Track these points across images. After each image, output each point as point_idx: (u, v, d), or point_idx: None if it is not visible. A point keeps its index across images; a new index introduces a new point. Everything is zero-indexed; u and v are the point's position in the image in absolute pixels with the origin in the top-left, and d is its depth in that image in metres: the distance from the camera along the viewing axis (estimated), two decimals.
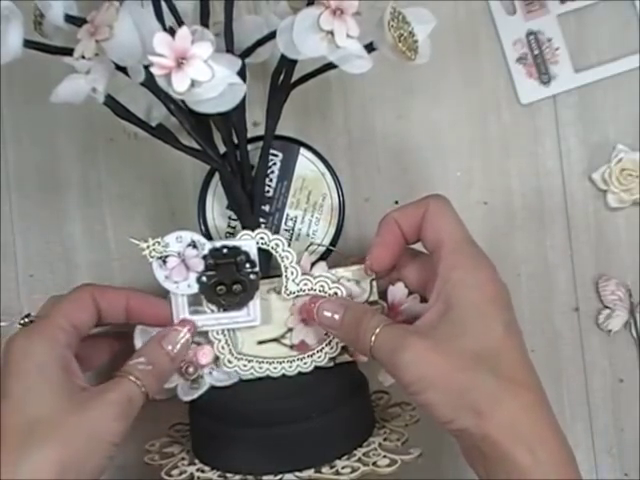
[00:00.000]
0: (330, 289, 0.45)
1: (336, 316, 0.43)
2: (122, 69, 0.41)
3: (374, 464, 0.43)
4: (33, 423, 0.38)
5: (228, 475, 0.44)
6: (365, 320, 0.42)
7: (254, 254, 0.44)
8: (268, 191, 0.51)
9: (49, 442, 0.38)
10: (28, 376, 0.40)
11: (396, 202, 0.55)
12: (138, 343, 0.45)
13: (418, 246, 0.46)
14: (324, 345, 0.46)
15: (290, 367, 0.46)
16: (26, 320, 0.43)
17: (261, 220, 0.48)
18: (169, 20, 0.43)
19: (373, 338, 0.41)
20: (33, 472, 0.37)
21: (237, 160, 0.46)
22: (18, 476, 0.36)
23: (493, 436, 0.37)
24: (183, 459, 0.46)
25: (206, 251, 0.43)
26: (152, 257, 0.43)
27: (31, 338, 0.41)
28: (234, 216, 0.50)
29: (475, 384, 0.38)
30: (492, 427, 0.37)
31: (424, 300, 0.46)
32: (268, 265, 0.46)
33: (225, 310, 0.44)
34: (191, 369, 0.45)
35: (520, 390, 0.38)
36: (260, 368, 0.45)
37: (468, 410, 0.38)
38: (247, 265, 0.44)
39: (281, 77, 0.45)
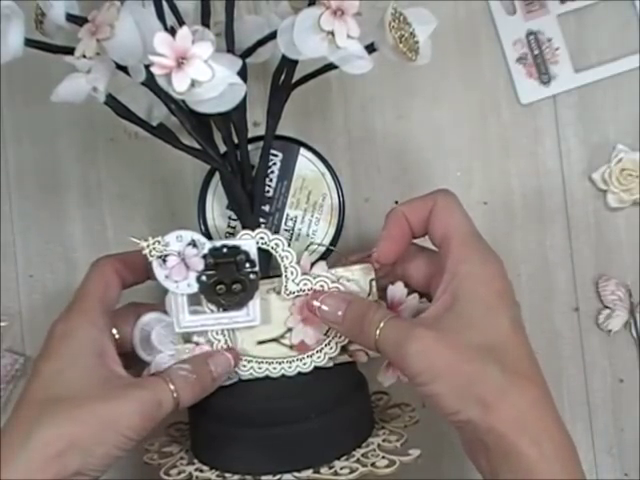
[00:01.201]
0: (330, 289, 0.45)
1: (339, 312, 0.43)
2: (123, 68, 0.41)
3: (373, 465, 0.43)
4: (54, 400, 0.40)
5: (227, 475, 0.44)
6: (369, 314, 0.42)
7: (254, 254, 0.44)
8: (268, 191, 0.51)
9: (63, 419, 0.39)
10: (62, 360, 0.41)
11: (396, 202, 0.55)
12: (137, 338, 0.45)
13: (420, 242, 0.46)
14: (324, 345, 0.46)
15: (289, 367, 0.45)
16: None
17: (261, 220, 0.48)
18: (170, 20, 0.43)
19: (378, 332, 0.41)
20: (42, 444, 0.38)
21: (237, 160, 0.46)
22: (28, 443, 0.38)
23: (499, 428, 0.37)
24: (182, 459, 0.46)
25: (206, 250, 0.43)
26: (152, 256, 0.43)
27: (71, 323, 0.43)
28: (234, 216, 0.50)
29: (482, 376, 0.38)
30: (498, 419, 0.37)
31: (426, 297, 0.46)
32: (268, 265, 0.46)
33: (225, 310, 0.44)
34: None
35: (526, 384, 0.38)
36: (259, 368, 0.45)
37: (474, 402, 0.38)
38: (247, 265, 0.44)
39: (282, 77, 0.45)
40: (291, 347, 0.46)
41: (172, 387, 0.41)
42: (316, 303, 0.44)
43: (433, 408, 0.40)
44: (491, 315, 0.40)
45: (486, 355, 0.38)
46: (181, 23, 0.43)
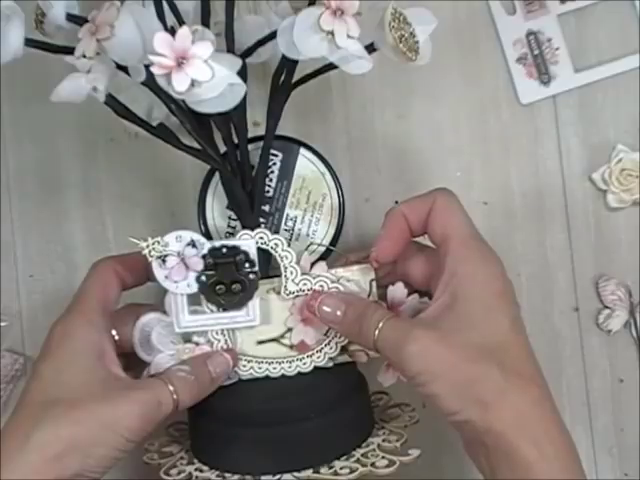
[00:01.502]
0: (329, 289, 0.45)
1: (338, 312, 0.43)
2: (123, 68, 0.41)
3: (372, 465, 0.43)
4: (54, 402, 0.40)
5: (227, 475, 0.44)
6: (368, 314, 0.42)
7: (253, 254, 0.44)
8: (268, 191, 0.51)
9: (63, 420, 0.39)
10: (61, 361, 0.41)
11: (396, 202, 0.55)
12: (137, 338, 0.45)
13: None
14: (323, 345, 0.46)
15: (289, 367, 0.45)
16: None
17: (261, 220, 0.48)
18: (170, 20, 0.43)
19: (377, 332, 0.41)
20: (41, 444, 0.38)
21: (237, 160, 0.46)
22: (27, 445, 0.38)
23: (498, 429, 0.37)
24: (182, 458, 0.46)
25: (205, 250, 0.43)
26: (152, 256, 0.43)
27: (70, 324, 0.43)
28: (234, 216, 0.50)
29: (481, 376, 0.38)
30: (498, 420, 0.37)
31: (427, 295, 0.46)
32: (268, 265, 0.46)
33: (224, 310, 0.44)
34: None
35: (526, 384, 0.38)
36: (259, 368, 0.45)
37: (474, 402, 0.38)
38: (246, 265, 0.44)
39: (282, 77, 0.45)
40: (291, 347, 0.46)
41: (171, 388, 0.41)
42: (315, 303, 0.44)
43: (433, 408, 0.40)
44: (491, 315, 0.40)
45: (486, 355, 0.38)
46: (181, 23, 0.43)
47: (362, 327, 0.42)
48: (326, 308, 0.43)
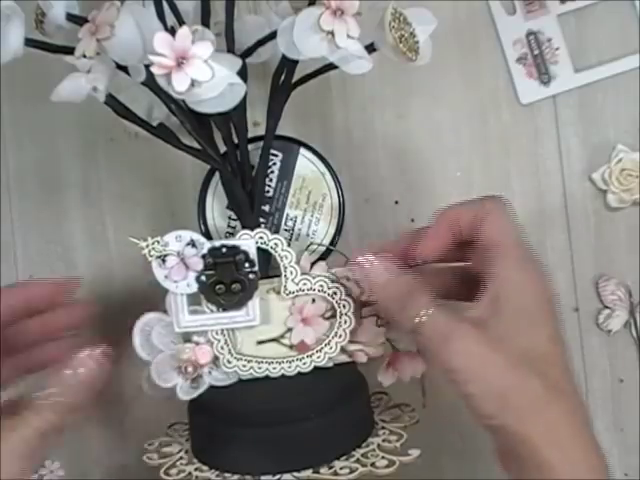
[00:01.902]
0: (329, 289, 0.45)
1: (385, 277, 0.41)
2: (123, 68, 0.41)
3: (372, 465, 0.43)
4: None
5: (226, 475, 0.44)
6: (417, 294, 0.40)
7: (253, 253, 0.44)
8: (268, 191, 0.51)
9: None
10: None
11: (396, 202, 0.55)
12: (137, 337, 0.45)
13: None
14: (323, 345, 0.46)
15: (289, 367, 0.45)
16: None
17: (261, 220, 0.48)
18: (170, 20, 0.43)
19: (424, 318, 0.39)
20: None
21: (237, 160, 0.46)
22: None
23: (533, 440, 0.37)
24: (182, 458, 0.46)
25: (205, 250, 0.43)
26: (151, 256, 0.43)
27: None
28: (234, 216, 0.50)
29: (522, 385, 0.38)
30: (533, 430, 0.37)
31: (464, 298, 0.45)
32: (268, 265, 0.46)
33: (224, 310, 0.44)
34: (190, 369, 0.45)
35: (564, 397, 0.38)
36: (259, 368, 0.45)
37: (511, 409, 0.37)
38: (246, 264, 0.44)
39: (282, 77, 0.45)
40: (291, 347, 0.46)
41: (35, 424, 0.39)
42: (362, 259, 0.42)
43: (466, 408, 0.39)
44: (535, 325, 0.39)
45: (527, 364, 0.38)
46: (181, 23, 0.43)
47: (405, 306, 0.40)
48: (377, 264, 0.42)
